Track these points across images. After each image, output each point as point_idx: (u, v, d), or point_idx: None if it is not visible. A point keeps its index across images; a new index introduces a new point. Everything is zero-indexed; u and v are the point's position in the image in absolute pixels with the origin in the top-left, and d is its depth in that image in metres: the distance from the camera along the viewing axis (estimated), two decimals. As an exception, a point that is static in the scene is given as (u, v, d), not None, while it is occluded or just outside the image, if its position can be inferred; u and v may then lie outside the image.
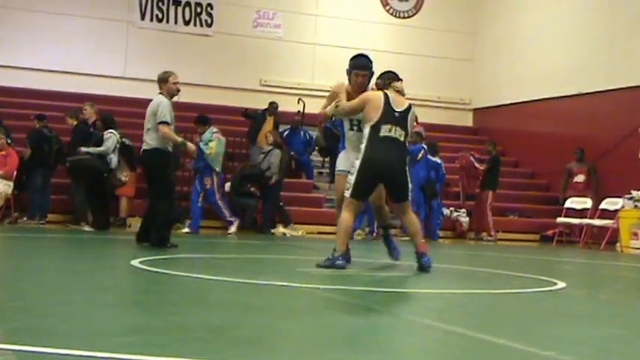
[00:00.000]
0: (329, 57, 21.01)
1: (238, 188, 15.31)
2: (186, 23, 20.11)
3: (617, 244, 15.62)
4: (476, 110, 22.69)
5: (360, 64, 8.38)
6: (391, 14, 22.13)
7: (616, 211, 15.93)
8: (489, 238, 16.89)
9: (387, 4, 22.10)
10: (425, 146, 15.84)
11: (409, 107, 7.98)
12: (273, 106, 17.68)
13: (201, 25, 20.25)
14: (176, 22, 20.03)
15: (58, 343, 3.48)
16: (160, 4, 19.93)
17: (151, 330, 4.02)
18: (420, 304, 5.77)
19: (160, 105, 9.75)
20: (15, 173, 14.10)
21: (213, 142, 14.54)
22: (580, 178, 17.58)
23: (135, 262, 7.26)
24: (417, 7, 22.30)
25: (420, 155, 15.51)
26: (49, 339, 3.62)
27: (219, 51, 19.98)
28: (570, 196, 17.36)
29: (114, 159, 13.72)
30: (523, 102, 20.69)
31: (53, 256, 8.79)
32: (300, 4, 21.16)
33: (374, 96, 7.98)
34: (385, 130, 7.76)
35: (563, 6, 19.92)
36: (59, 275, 6.64)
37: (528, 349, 3.90)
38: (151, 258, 7.88)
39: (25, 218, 14.17)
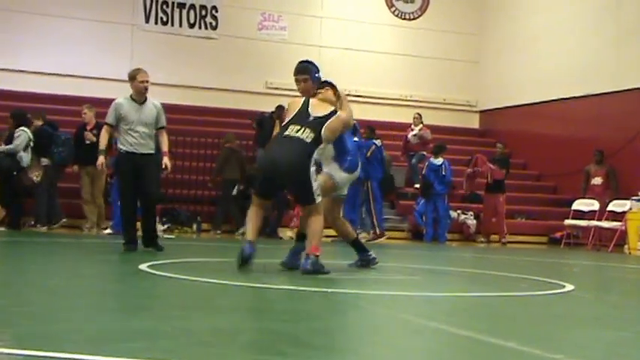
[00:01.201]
0: (334, 59, 21.01)
1: (246, 192, 15.29)
2: (191, 26, 20.12)
3: (625, 247, 15.57)
4: (482, 112, 22.66)
5: (296, 70, 8.18)
6: (396, 16, 22.11)
7: (624, 213, 15.87)
8: (504, 240, 16.67)
9: (393, 5, 22.09)
10: (376, 142, 15.55)
11: (331, 114, 7.66)
12: (280, 109, 17.66)
13: (206, 28, 20.26)
14: (181, 25, 20.04)
15: (67, 348, 3.48)
16: (165, 6, 19.95)
17: (158, 335, 4.01)
18: (427, 307, 5.75)
19: (112, 105, 9.57)
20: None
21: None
22: (597, 180, 17.39)
23: (143, 267, 7.25)
24: (423, 9, 22.28)
25: (369, 151, 15.28)
26: (58, 344, 3.61)
27: (224, 54, 19.99)
28: (579, 198, 17.29)
29: (25, 157, 13.49)
30: (530, 104, 20.65)
31: (61, 261, 8.79)
32: (305, 6, 21.16)
33: (295, 101, 7.91)
34: (290, 130, 7.57)
35: (570, 7, 19.88)
36: (67, 280, 6.64)
37: (537, 352, 3.87)
38: (159, 262, 7.87)
39: (32, 222, 14.18)
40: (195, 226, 15.52)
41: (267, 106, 17.61)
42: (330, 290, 6.33)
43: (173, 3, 20.03)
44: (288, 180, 7.62)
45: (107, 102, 18.36)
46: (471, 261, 12.40)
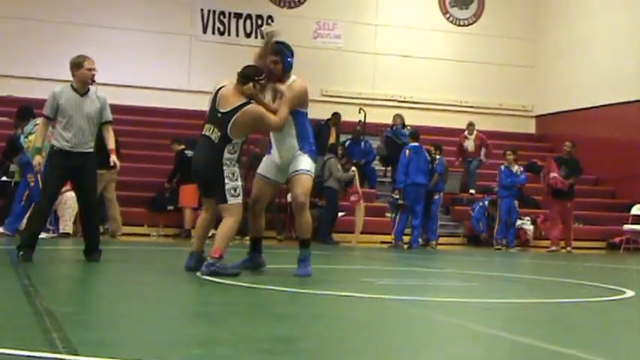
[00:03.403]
0: (389, 66, 21.05)
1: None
2: (248, 36, 20.30)
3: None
4: (538, 117, 22.44)
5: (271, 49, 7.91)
6: (451, 22, 22.03)
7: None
8: (569, 248, 16.17)
9: (447, 12, 22.01)
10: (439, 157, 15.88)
11: (237, 108, 7.31)
12: (336, 116, 17.74)
13: (262, 37, 20.24)
14: (237, 35, 20.24)
15: (129, 355, 3.54)
16: (222, 17, 20.17)
17: (218, 342, 4.05)
18: (485, 314, 5.72)
19: (50, 94, 8.37)
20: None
21: (33, 136, 12.12)
22: None
23: (199, 274, 7.30)
24: (477, 15, 22.17)
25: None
26: (120, 350, 3.67)
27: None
28: (638, 203, 16.98)
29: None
30: (586, 108, 20.40)
31: (119, 268, 8.90)
32: (360, 14, 21.18)
33: (218, 90, 7.58)
34: (205, 129, 7.48)
35: (625, 9, 19.62)
36: (126, 287, 6.72)
37: (598, 360, 3.85)
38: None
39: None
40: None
41: (323, 114, 17.67)
42: (387, 297, 6.33)
43: (230, 13, 20.23)
44: (202, 180, 7.60)
45: (164, 112, 18.89)
46: (529, 267, 12.29)
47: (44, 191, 8.46)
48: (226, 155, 7.31)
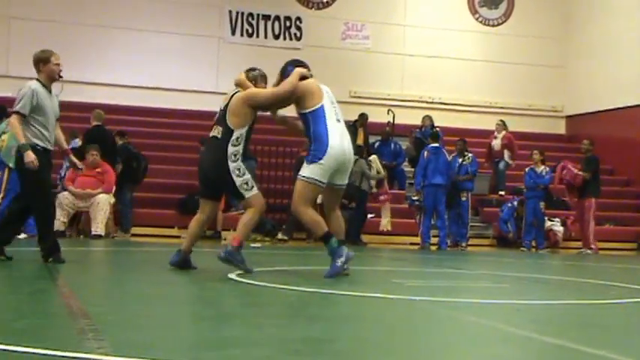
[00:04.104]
0: (418, 67, 21.03)
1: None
2: (276, 37, 20.37)
3: None
4: (569, 117, 22.31)
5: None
6: (480, 22, 21.97)
7: None
8: (589, 251, 15.89)
9: (476, 12, 21.94)
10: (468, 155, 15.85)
11: (233, 95, 7.61)
12: (363, 117, 17.75)
13: (291, 39, 20.47)
14: (266, 37, 20.31)
15: (163, 356, 3.58)
16: (250, 19, 20.25)
17: (251, 343, 4.07)
18: (516, 315, 5.71)
19: (22, 90, 7.96)
20: (114, 188, 14.43)
21: (6, 135, 12.10)
22: None
23: (232, 275, 7.36)
24: (507, 15, 22.09)
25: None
26: (154, 351, 3.71)
27: (308, 64, 20.08)
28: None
29: None
30: (617, 108, 20.25)
31: (151, 268, 8.97)
32: (389, 15, 21.17)
33: None
34: (212, 131, 7.69)
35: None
36: (159, 287, 6.76)
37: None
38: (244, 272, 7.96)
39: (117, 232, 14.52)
40: (279, 234, 15.63)
41: (351, 115, 17.66)
42: (417, 298, 6.34)
43: (258, 15, 20.31)
44: (208, 180, 7.66)
45: (193, 114, 18.97)
46: (558, 268, 12.24)
47: (44, 191, 8.05)
48: (230, 149, 7.45)
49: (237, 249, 7.40)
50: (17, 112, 7.86)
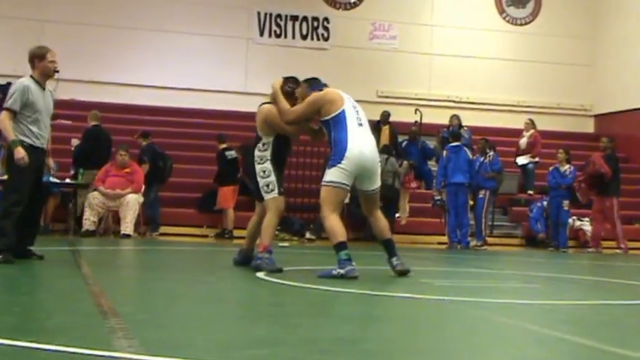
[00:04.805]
0: (446, 67, 20.95)
1: (358, 199, 15.35)
2: (304, 38, 20.39)
3: None
4: (597, 116, 22.13)
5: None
6: (507, 22, 21.85)
7: None
8: (618, 251, 15.64)
9: (504, 11, 21.83)
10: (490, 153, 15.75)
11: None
12: (384, 115, 17.71)
13: (318, 39, 20.49)
14: (294, 37, 20.33)
15: (193, 355, 3.58)
16: (278, 19, 20.29)
17: (280, 342, 4.07)
18: (548, 316, 5.67)
19: (14, 87, 7.84)
20: (143, 188, 14.49)
21: None
22: None
23: (260, 274, 7.37)
24: (534, 14, 21.95)
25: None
26: (183, 350, 3.71)
27: (335, 64, 20.11)
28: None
29: None
30: (647, 107, 20.08)
31: (178, 268, 9.00)
32: (416, 15, 21.12)
33: None
34: None
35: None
36: (188, 286, 6.79)
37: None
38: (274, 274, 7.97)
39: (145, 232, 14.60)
40: (307, 234, 15.63)
41: (378, 115, 17.67)
42: (447, 298, 6.31)
43: (286, 16, 20.34)
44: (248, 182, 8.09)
45: (224, 114, 19.03)
46: (588, 268, 12.14)
47: (21, 189, 7.77)
48: (257, 153, 7.81)
49: (264, 254, 7.64)
50: (7, 109, 7.72)
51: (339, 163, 7.37)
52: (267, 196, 7.72)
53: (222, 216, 15.29)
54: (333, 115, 7.50)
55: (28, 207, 7.85)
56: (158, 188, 15.03)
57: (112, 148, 14.66)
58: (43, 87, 7.88)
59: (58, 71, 7.96)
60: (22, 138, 7.70)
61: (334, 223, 7.40)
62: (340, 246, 7.33)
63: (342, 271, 7.20)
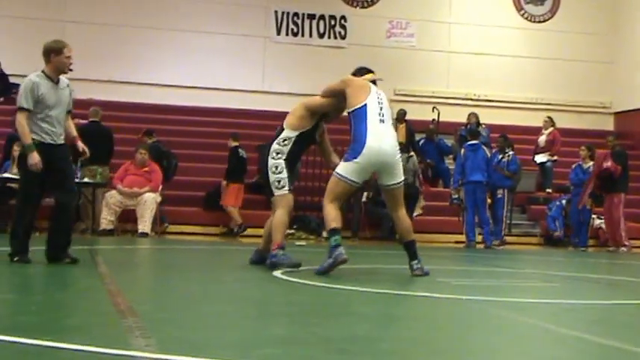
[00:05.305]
0: (464, 64, 20.88)
1: (375, 198, 15.34)
2: (321, 36, 20.38)
3: None
4: (617, 114, 21.99)
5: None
6: (526, 19, 21.75)
7: None
8: (623, 248, 15.42)
9: (522, 8, 21.73)
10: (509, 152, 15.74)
11: None
12: (401, 113, 17.68)
13: (335, 38, 20.47)
14: (311, 36, 20.33)
15: (210, 354, 3.57)
16: (296, 18, 20.29)
17: (297, 341, 4.06)
18: (568, 316, 5.62)
19: (22, 85, 7.66)
20: (160, 187, 14.50)
21: None
22: None
23: (277, 273, 7.36)
24: (553, 11, 21.84)
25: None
26: (200, 349, 3.71)
27: (353, 62, 19.82)
28: None
29: None
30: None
31: (194, 267, 9.00)
32: (433, 13, 21.06)
33: None
34: None
35: None
36: (204, 285, 6.79)
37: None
38: (292, 269, 7.97)
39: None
40: (323, 232, 15.62)
41: (395, 113, 17.61)
42: (464, 297, 6.28)
43: (304, 14, 20.34)
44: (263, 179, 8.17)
45: (242, 112, 19.06)
46: (608, 267, 12.06)
47: (28, 190, 7.65)
48: (274, 146, 7.77)
49: (278, 251, 7.67)
50: (21, 109, 7.51)
51: (355, 158, 7.32)
52: (276, 192, 7.73)
53: (228, 214, 15.30)
54: (355, 108, 7.46)
55: (56, 215, 7.70)
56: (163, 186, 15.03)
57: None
58: (55, 82, 7.62)
59: (72, 69, 7.75)
60: (32, 136, 7.49)
61: (330, 211, 7.40)
62: (332, 232, 7.34)
63: (330, 260, 7.23)
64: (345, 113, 7.80)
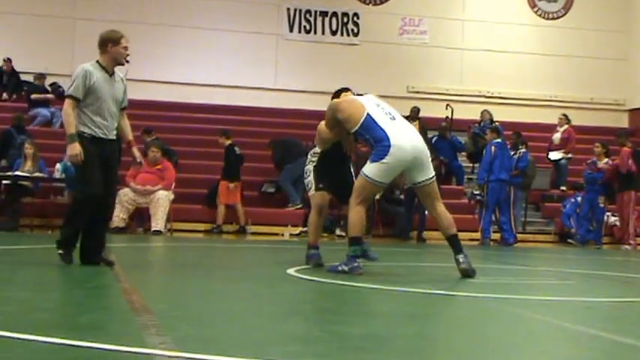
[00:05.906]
0: (477, 61, 20.84)
1: (388, 195, 15.31)
2: (334, 33, 20.37)
3: None
4: (632, 111, 21.90)
5: None
6: (539, 16, 21.69)
7: None
8: (627, 247, 15.45)
9: (535, 5, 21.67)
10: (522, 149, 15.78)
11: None
12: (414, 110, 17.63)
13: (348, 35, 20.46)
14: (323, 33, 20.33)
15: (225, 351, 3.56)
16: (308, 15, 20.28)
17: (311, 339, 4.05)
18: (584, 313, 5.59)
19: (75, 72, 7.28)
20: (173, 185, 14.52)
21: None
22: None
23: (291, 271, 7.34)
24: (567, 8, 21.77)
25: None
26: (216, 347, 3.71)
27: (365, 59, 20.08)
28: None
29: None
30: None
31: (207, 264, 9.00)
32: (446, 10, 21.03)
33: None
34: None
35: None
36: (219, 283, 6.79)
37: None
38: (307, 266, 7.96)
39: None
40: (337, 230, 15.60)
41: (408, 111, 17.60)
42: (480, 295, 6.24)
43: (316, 12, 20.34)
44: None
45: (254, 110, 19.06)
46: (624, 264, 12.00)
47: (90, 183, 7.22)
48: (309, 157, 8.37)
49: (311, 249, 8.22)
50: (70, 96, 7.19)
51: (382, 158, 7.15)
52: (309, 194, 8.35)
53: (235, 211, 15.29)
54: (360, 122, 7.28)
55: (92, 216, 7.33)
56: None
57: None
58: (110, 73, 7.27)
59: (128, 61, 7.42)
60: (82, 128, 7.15)
61: (355, 216, 7.28)
62: (354, 240, 7.28)
63: (346, 268, 7.19)
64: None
